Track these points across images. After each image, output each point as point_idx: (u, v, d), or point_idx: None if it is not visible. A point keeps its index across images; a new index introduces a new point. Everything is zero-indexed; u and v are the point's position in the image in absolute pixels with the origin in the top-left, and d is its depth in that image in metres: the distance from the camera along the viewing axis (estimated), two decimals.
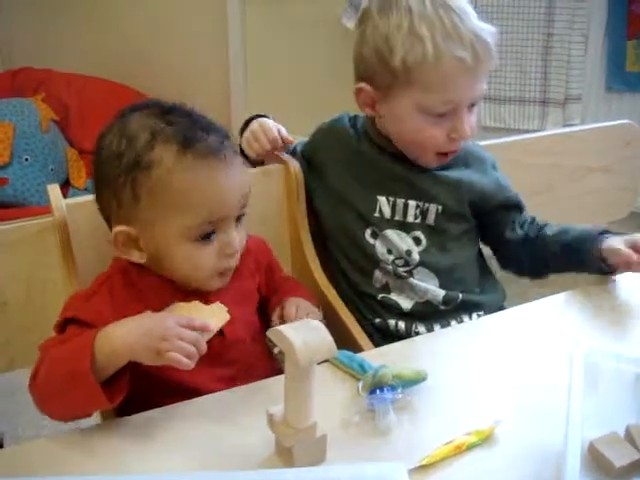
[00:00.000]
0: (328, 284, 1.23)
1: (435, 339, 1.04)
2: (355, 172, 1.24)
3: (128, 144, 0.93)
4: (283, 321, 1.02)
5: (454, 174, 1.22)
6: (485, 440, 0.84)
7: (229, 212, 0.96)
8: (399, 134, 1.20)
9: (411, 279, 1.21)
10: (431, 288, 1.20)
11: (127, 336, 0.84)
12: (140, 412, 0.89)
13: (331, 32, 2.76)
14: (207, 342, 0.89)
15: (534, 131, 2.37)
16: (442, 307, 1.19)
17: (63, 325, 0.94)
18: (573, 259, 1.18)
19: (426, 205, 1.21)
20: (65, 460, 0.83)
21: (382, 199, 1.22)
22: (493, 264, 1.33)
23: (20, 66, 3.01)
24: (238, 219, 0.99)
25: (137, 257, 0.97)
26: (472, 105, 1.16)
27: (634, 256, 1.08)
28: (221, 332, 0.96)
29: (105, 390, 0.83)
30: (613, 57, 2.32)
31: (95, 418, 0.94)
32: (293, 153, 1.32)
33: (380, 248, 1.22)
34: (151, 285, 0.98)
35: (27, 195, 2.55)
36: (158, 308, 0.93)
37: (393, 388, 0.89)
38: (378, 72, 1.14)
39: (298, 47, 2.89)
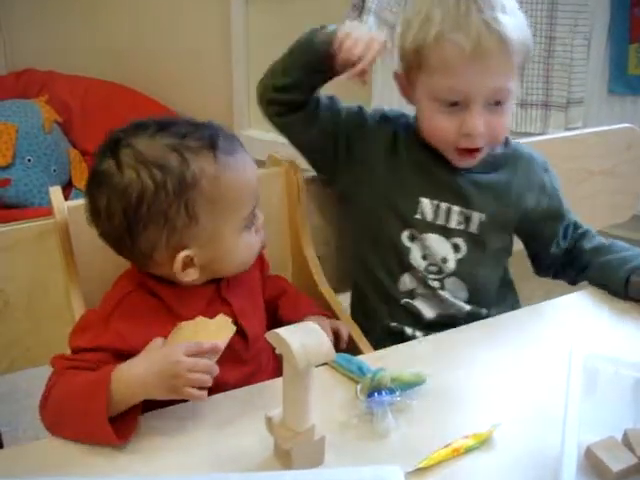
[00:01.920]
0: (328, 288, 1.23)
1: (434, 342, 1.04)
2: (399, 170, 1.20)
3: (162, 172, 0.90)
4: None
5: (501, 181, 1.21)
6: (483, 444, 0.84)
7: (256, 199, 1.00)
8: (420, 124, 1.18)
9: (440, 291, 1.19)
10: (458, 303, 1.19)
11: (141, 377, 0.84)
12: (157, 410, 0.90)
13: None
14: (230, 344, 0.91)
15: (536, 134, 2.36)
16: (463, 321, 1.14)
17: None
18: (602, 281, 1.18)
19: (470, 212, 1.19)
20: (64, 461, 0.83)
21: (425, 201, 1.18)
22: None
23: (23, 68, 3.02)
24: None
25: (192, 275, 0.95)
26: (497, 103, 1.12)
27: None
28: (243, 331, 0.98)
29: (116, 423, 0.83)
30: (615, 60, 2.31)
31: None
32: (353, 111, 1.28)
33: (415, 252, 1.19)
34: (174, 295, 0.98)
35: (29, 196, 2.56)
36: (188, 316, 0.93)
37: (391, 391, 0.89)
38: (401, 55, 1.16)
39: None
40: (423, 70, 1.12)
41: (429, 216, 1.18)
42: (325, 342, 0.76)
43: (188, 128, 0.95)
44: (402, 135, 1.22)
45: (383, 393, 0.89)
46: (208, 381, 0.85)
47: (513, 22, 1.09)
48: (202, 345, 0.86)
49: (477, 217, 1.19)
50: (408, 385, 0.92)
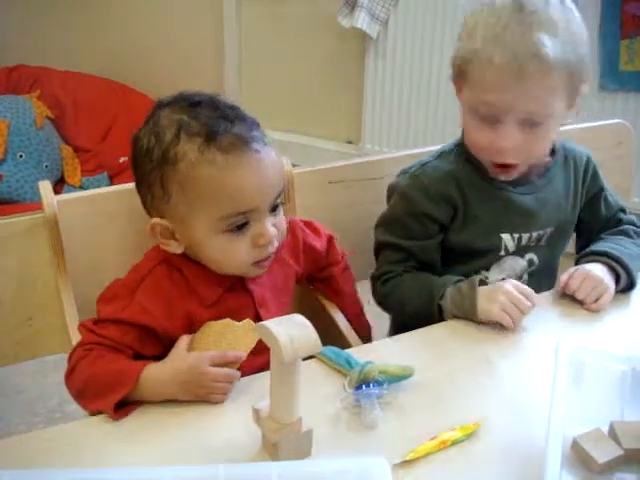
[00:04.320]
0: None
1: (421, 336, 1.05)
2: (475, 210, 1.17)
3: (156, 140, 0.95)
4: None
5: (559, 190, 1.21)
6: (469, 436, 0.85)
7: (260, 204, 0.95)
8: (464, 133, 1.17)
9: None
10: None
11: (167, 383, 0.90)
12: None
13: (327, 31, 2.77)
14: None
15: None
16: None
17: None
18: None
19: (543, 231, 1.20)
20: (54, 453, 0.83)
21: (506, 237, 1.18)
22: None
23: (15, 63, 3.01)
24: (274, 209, 0.98)
25: (175, 247, 0.98)
26: (534, 123, 1.08)
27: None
28: (261, 321, 0.98)
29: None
30: (606, 56, 2.32)
31: (85, 412, 0.94)
32: None
33: (493, 276, 1.19)
34: (197, 274, 0.99)
35: (21, 192, 2.55)
36: (208, 297, 0.99)
37: (379, 384, 0.90)
38: (452, 63, 1.14)
39: (294, 46, 2.89)
40: (465, 81, 1.11)
41: (511, 248, 1.19)
42: (312, 335, 0.76)
43: (210, 112, 0.95)
44: (460, 172, 1.17)
45: (371, 386, 0.90)
46: (229, 389, 0.91)
47: (560, 43, 1.04)
48: (227, 356, 0.92)
49: (548, 232, 1.20)
50: (395, 378, 0.92)
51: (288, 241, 1.09)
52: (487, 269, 1.19)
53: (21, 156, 2.59)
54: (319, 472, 0.69)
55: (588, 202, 1.26)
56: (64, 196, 1.15)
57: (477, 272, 1.17)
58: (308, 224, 1.18)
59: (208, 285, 0.99)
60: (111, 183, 2.70)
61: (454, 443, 0.84)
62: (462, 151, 1.19)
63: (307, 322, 0.78)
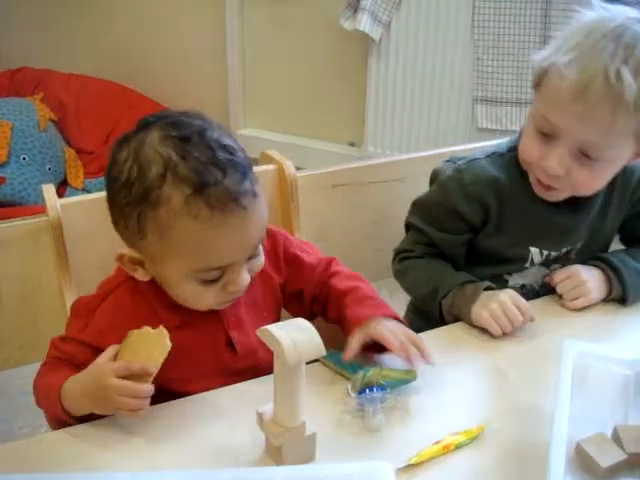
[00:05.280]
0: None
1: (425, 340, 1.04)
2: (509, 221, 1.16)
3: (139, 174, 0.86)
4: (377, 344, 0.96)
5: (599, 204, 1.17)
6: (473, 440, 0.85)
7: (239, 258, 0.90)
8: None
9: None
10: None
11: (79, 397, 0.88)
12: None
13: (330, 33, 2.77)
14: (217, 355, 0.95)
15: None
16: None
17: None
18: None
19: (571, 247, 1.18)
20: (55, 458, 0.83)
21: (535, 250, 1.17)
22: None
23: (19, 66, 3.01)
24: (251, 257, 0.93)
25: (142, 275, 0.93)
26: (587, 156, 1.03)
27: None
28: (232, 345, 0.97)
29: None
30: None
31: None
32: None
33: (514, 280, 1.19)
34: (160, 297, 0.96)
35: (24, 194, 2.56)
36: (170, 321, 0.92)
37: (382, 388, 0.90)
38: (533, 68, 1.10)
39: (296, 48, 2.89)
40: (538, 90, 1.08)
41: (537, 262, 1.18)
42: (315, 338, 0.76)
43: (202, 154, 0.85)
44: (504, 180, 1.15)
45: (374, 390, 0.89)
46: (136, 405, 0.85)
47: None
48: (132, 366, 0.85)
49: (578, 245, 1.19)
50: (399, 382, 0.92)
51: (267, 249, 1.02)
52: (510, 274, 1.19)
53: (24, 158, 2.59)
54: (323, 476, 0.69)
55: (632, 217, 1.22)
56: (68, 199, 1.15)
57: (500, 276, 1.17)
58: (302, 242, 1.12)
59: (171, 309, 0.95)
60: None
61: (458, 447, 0.84)
62: (514, 156, 1.15)
63: (310, 326, 0.78)
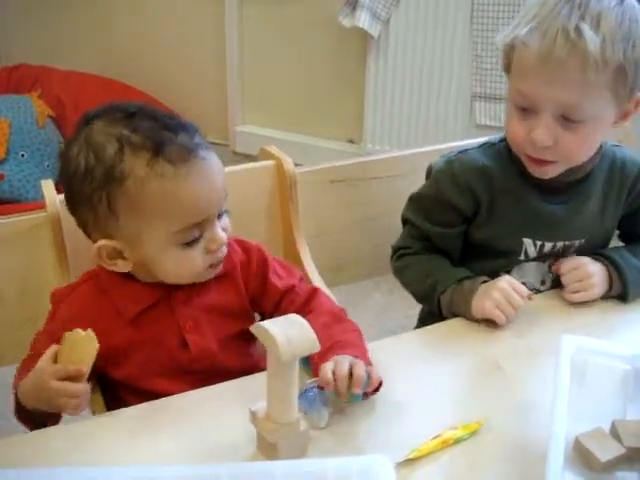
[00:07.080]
0: (321, 281, 1.23)
1: (423, 334, 1.05)
2: (500, 209, 1.16)
3: (96, 158, 0.90)
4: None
5: (598, 204, 1.17)
6: (472, 434, 0.85)
7: (213, 211, 0.93)
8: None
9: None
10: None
11: (33, 398, 0.92)
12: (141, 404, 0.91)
13: (328, 30, 2.77)
14: (170, 353, 0.97)
15: None
16: None
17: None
18: None
19: (571, 242, 1.17)
20: (53, 453, 0.84)
21: (528, 241, 1.16)
22: None
23: (17, 62, 3.01)
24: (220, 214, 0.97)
25: (122, 267, 0.95)
26: (570, 120, 1.03)
27: None
28: (186, 344, 0.98)
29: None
30: None
31: (84, 413, 0.94)
32: None
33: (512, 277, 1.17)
34: (121, 290, 0.98)
35: (23, 191, 2.55)
36: (126, 313, 0.97)
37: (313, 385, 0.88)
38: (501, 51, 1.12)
39: (295, 45, 2.89)
40: (509, 70, 1.09)
41: (532, 254, 1.17)
42: (310, 335, 0.76)
43: (150, 123, 0.91)
44: (495, 169, 1.15)
45: (308, 389, 0.88)
46: (75, 404, 0.88)
47: (608, 39, 0.99)
48: (67, 370, 0.89)
49: (577, 243, 1.18)
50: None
51: (242, 260, 1.04)
52: (508, 272, 1.17)
53: (23, 155, 2.59)
54: (322, 470, 0.68)
55: (631, 214, 1.22)
56: None
57: (498, 273, 1.15)
58: (279, 265, 1.08)
59: (129, 301, 0.97)
60: None
61: (457, 442, 0.84)
62: (505, 145, 1.16)
63: (304, 321, 0.78)
